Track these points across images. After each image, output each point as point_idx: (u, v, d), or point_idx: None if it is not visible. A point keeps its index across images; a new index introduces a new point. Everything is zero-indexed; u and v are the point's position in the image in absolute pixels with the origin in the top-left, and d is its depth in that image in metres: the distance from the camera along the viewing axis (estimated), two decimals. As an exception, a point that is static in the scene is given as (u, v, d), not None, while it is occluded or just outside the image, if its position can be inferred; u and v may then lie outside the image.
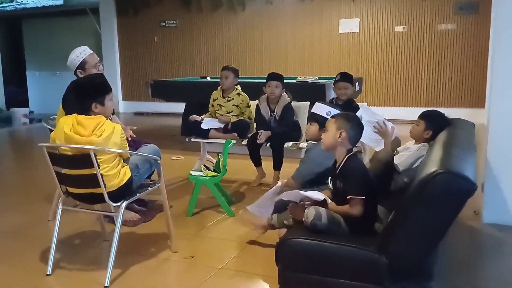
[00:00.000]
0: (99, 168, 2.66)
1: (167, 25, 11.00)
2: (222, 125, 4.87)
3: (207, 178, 3.90)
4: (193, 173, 3.99)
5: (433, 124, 3.18)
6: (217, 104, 5.06)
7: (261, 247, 3.23)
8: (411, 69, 9.16)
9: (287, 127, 4.67)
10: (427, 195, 2.11)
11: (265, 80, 4.76)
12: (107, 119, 2.80)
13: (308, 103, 4.94)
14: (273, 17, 10.00)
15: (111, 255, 2.79)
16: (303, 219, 2.51)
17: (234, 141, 4.23)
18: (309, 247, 2.43)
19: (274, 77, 4.67)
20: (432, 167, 2.16)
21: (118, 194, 2.81)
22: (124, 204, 2.83)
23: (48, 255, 2.92)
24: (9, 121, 10.50)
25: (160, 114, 10.84)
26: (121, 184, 2.81)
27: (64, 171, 2.81)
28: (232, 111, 4.98)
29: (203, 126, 4.90)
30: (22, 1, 13.21)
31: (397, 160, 3.26)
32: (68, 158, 2.74)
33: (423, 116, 3.27)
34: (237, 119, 4.87)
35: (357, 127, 2.63)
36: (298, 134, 4.83)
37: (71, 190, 2.86)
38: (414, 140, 3.34)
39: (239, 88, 5.08)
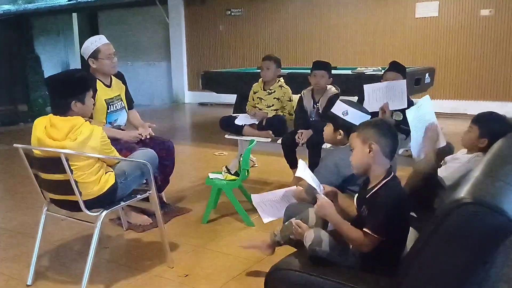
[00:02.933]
0: (72, 174, 2.32)
1: (232, 14, 10.68)
2: (256, 121, 4.40)
3: (225, 182, 3.46)
4: (211, 175, 3.57)
5: (489, 130, 2.48)
6: (257, 98, 4.61)
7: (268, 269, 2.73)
8: (498, 59, 8.03)
9: (330, 122, 4.08)
10: (446, 230, 1.55)
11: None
12: (86, 121, 2.44)
13: (356, 97, 4.32)
14: (343, 1, 9.27)
15: (85, 270, 2.45)
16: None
17: (255, 141, 3.75)
18: (298, 282, 1.93)
19: (320, 65, 4.11)
20: (461, 192, 1.58)
21: (97, 203, 2.47)
22: (104, 214, 2.47)
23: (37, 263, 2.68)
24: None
25: (223, 105, 10.56)
26: (101, 192, 2.46)
27: (41, 174, 2.51)
28: (272, 105, 4.50)
29: (237, 121, 4.48)
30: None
31: (442, 172, 2.61)
32: (42, 161, 2.43)
33: (476, 120, 2.58)
34: (272, 115, 4.37)
35: (389, 133, 2.01)
36: (342, 132, 4.23)
37: (50, 195, 2.56)
38: (466, 149, 2.66)
39: (282, 80, 4.58)
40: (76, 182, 2.35)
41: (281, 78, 4.60)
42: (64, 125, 2.35)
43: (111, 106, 3.47)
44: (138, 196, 2.69)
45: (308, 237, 1.97)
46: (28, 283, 2.63)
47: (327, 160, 2.62)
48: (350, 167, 2.36)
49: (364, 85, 3.77)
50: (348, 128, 2.51)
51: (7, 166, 5.53)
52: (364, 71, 5.66)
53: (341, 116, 2.55)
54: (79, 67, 13.96)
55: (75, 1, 13.18)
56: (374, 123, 2.06)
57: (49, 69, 14.21)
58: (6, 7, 13.71)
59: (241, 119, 4.48)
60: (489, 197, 1.55)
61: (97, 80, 3.42)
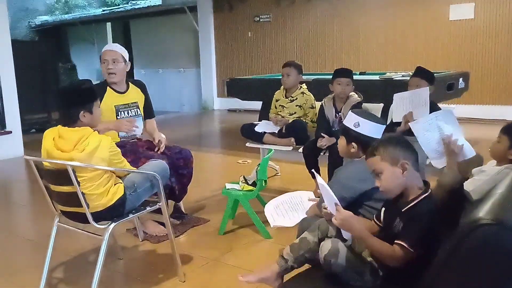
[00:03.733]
0: (79, 186, 2.28)
1: (261, 20, 10.63)
2: (277, 129, 4.29)
3: (241, 193, 3.36)
4: (228, 186, 3.48)
5: (521, 141, 2.29)
6: (280, 105, 4.50)
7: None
8: (538, 61, 7.65)
9: (352, 132, 3.93)
10: (465, 252, 1.42)
11: (332, 76, 4.07)
12: (94, 131, 2.39)
13: (381, 105, 4.15)
14: (372, 4, 9.06)
15: (93, 284, 2.39)
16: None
17: (273, 151, 3.64)
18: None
19: (344, 73, 3.96)
20: (481, 210, 1.46)
21: (105, 215, 2.41)
22: (112, 226, 2.41)
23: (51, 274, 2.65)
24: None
25: (252, 111, 10.49)
26: (110, 204, 2.40)
27: (51, 186, 2.47)
28: (295, 112, 4.38)
29: (257, 129, 4.38)
30: (135, 2, 13.83)
31: (469, 186, 2.42)
32: (51, 173, 2.40)
33: (506, 130, 2.38)
34: (292, 120, 4.25)
35: (410, 145, 1.94)
36: (366, 141, 4.07)
37: (59, 207, 2.52)
38: (496, 161, 2.47)
39: (304, 87, 4.46)
40: (83, 194, 2.30)
41: (304, 84, 4.48)
42: (72, 136, 2.32)
43: (122, 112, 3.44)
44: (148, 208, 2.62)
45: (324, 247, 1.86)
46: (38, 295, 2.60)
47: (340, 174, 2.47)
48: (366, 181, 2.24)
49: (394, 94, 3.64)
50: (361, 140, 2.38)
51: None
52: (393, 77, 5.45)
53: (353, 128, 2.41)
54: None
55: (108, 11, 13.45)
56: (396, 141, 1.94)
57: (84, 77, 14.55)
58: (44, 18, 14.13)
59: (261, 126, 4.39)
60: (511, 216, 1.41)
61: (108, 87, 3.41)
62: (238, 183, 3.50)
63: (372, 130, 2.39)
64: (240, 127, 4.63)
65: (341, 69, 4.06)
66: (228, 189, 3.45)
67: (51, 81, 9.69)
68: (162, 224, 3.52)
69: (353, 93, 4.01)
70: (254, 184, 3.46)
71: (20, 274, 2.94)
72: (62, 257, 3.07)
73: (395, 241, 1.79)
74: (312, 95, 4.39)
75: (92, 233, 2.49)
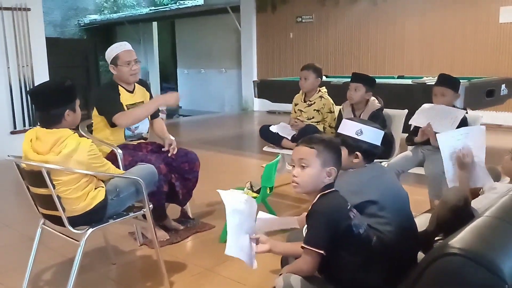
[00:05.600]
0: (54, 189, 2.20)
1: (303, 21, 10.41)
2: (291, 133, 4.12)
3: (243, 200, 3.20)
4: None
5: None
6: (298, 110, 4.32)
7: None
8: None
9: (371, 140, 3.68)
10: (428, 281, 1.28)
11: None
12: (74, 132, 2.31)
13: (406, 111, 3.88)
14: (417, 6, 8.64)
15: (68, 289, 2.31)
16: None
17: (280, 156, 3.46)
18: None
19: (354, 78, 3.74)
20: (452, 238, 1.29)
21: (84, 220, 2.33)
22: (89, 232, 2.32)
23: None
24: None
25: (290, 113, 10.31)
26: (89, 209, 2.31)
27: (30, 188, 2.42)
28: (313, 117, 4.19)
29: (271, 128, 4.24)
30: (183, 1, 14.00)
31: (477, 203, 2.20)
32: (29, 175, 2.34)
33: None
34: (305, 124, 4.06)
35: (340, 157, 1.88)
36: (388, 149, 3.81)
37: (40, 209, 2.46)
38: (509, 178, 2.21)
39: (324, 90, 4.26)
40: (59, 197, 2.22)
41: (323, 88, 4.27)
42: (49, 138, 2.24)
43: None
44: (132, 214, 2.52)
45: (278, 284, 1.74)
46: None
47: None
48: (358, 194, 2.06)
49: (424, 104, 3.44)
50: (364, 148, 2.18)
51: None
52: (426, 81, 5.12)
53: (355, 136, 2.20)
54: (158, 74, 14.47)
55: (154, 10, 13.66)
56: (336, 147, 1.87)
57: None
58: (92, 16, 14.57)
59: (277, 128, 4.23)
60: (483, 248, 1.21)
61: (119, 86, 3.35)
62: (243, 189, 3.35)
63: (375, 136, 2.20)
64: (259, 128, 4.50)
65: (353, 73, 3.84)
66: (230, 195, 3.30)
67: (94, 79, 9.96)
68: (165, 228, 3.45)
69: (373, 98, 3.77)
70: (259, 191, 3.31)
71: (2, 276, 2.89)
72: (54, 259, 3.03)
73: (300, 246, 1.73)
74: (330, 99, 4.18)
75: (70, 238, 2.41)
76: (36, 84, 6.19)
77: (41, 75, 6.24)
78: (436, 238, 2.27)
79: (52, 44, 7.29)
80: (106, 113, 3.24)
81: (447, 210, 2.25)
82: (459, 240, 1.24)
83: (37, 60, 6.18)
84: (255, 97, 6.63)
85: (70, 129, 2.33)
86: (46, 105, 2.31)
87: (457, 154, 2.38)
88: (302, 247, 1.70)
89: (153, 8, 14.25)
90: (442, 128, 3.17)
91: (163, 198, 3.22)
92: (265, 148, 4.40)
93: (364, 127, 2.18)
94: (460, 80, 3.55)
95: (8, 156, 2.37)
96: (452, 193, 2.20)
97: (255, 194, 3.27)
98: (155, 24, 14.22)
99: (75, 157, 2.23)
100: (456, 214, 2.22)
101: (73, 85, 2.38)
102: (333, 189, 1.84)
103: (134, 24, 14.26)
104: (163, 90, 14.76)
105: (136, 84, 3.46)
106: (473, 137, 2.47)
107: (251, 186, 3.36)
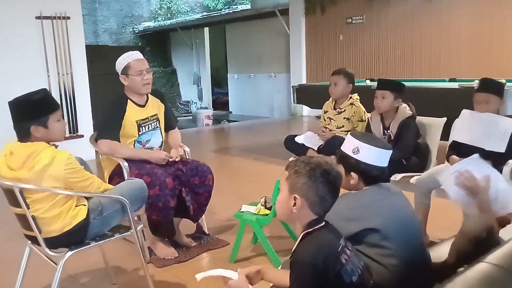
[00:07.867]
0: (28, 208, 2.07)
1: (353, 22, 9.99)
2: (317, 143, 3.83)
3: (254, 217, 2.97)
4: (244, 208, 3.11)
5: None
6: (328, 118, 4.03)
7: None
8: None
9: (403, 151, 3.33)
10: None
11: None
12: (51, 146, 2.17)
13: (444, 119, 3.48)
14: (472, 6, 7.98)
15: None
16: None
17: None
18: None
19: (380, 84, 3.40)
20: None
21: (62, 241, 2.18)
22: (68, 255, 2.16)
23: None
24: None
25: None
26: (67, 229, 2.16)
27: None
28: (342, 126, 3.89)
29: (297, 139, 3.97)
30: (236, 6, 13.97)
31: (504, 234, 1.82)
32: (4, 192, 2.20)
33: None
34: (331, 135, 3.76)
35: (326, 187, 1.56)
36: (422, 162, 3.43)
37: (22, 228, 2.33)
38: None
39: (355, 97, 3.94)
40: (34, 217, 2.09)
41: (355, 94, 3.95)
42: (22, 152, 2.10)
43: (143, 127, 3.23)
44: (117, 235, 2.35)
45: None
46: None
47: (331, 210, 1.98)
48: (356, 221, 1.80)
49: (464, 110, 3.07)
50: (361, 169, 1.90)
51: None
52: (474, 85, 4.61)
53: (352, 154, 1.91)
54: (209, 80, 14.51)
55: (206, 15, 13.71)
56: (311, 173, 1.54)
57: (184, 82, 15.05)
58: (147, 23, 14.86)
59: (303, 138, 3.95)
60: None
61: (128, 100, 3.21)
62: (257, 205, 3.12)
63: (375, 156, 1.90)
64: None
65: (378, 80, 3.50)
66: (242, 211, 3.08)
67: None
68: (176, 244, 3.28)
69: (404, 105, 3.41)
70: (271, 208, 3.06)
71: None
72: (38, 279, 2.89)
73: None
74: (362, 107, 3.86)
75: (50, 260, 2.26)
76: (76, 92, 6.30)
77: (81, 83, 6.33)
78: (458, 270, 1.93)
79: (97, 51, 7.37)
80: (98, 131, 3.21)
81: (468, 242, 1.91)
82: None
83: (77, 69, 6.26)
84: (293, 102, 6.36)
85: (50, 142, 2.18)
86: (13, 118, 2.17)
87: (459, 180, 2.03)
88: None
89: (205, 13, 14.31)
90: (491, 145, 2.81)
91: (170, 213, 3.04)
92: (291, 159, 4.12)
93: (362, 145, 1.89)
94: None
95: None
96: (472, 222, 1.85)
97: (267, 211, 3.02)
98: (206, 29, 14.27)
99: (50, 171, 2.08)
100: (477, 246, 1.88)
101: (44, 99, 2.20)
102: (322, 224, 1.58)
103: (186, 30, 14.39)
104: (215, 95, 14.78)
105: (149, 95, 3.31)
106: (476, 167, 2.11)
107: (265, 202, 3.12)
